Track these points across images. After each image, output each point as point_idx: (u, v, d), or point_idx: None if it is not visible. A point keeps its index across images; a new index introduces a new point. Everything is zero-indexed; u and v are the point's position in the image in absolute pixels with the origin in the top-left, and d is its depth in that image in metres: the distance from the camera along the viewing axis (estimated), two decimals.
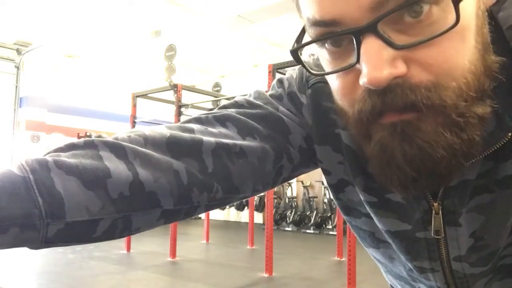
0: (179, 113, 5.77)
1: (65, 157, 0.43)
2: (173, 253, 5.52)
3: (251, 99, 0.59)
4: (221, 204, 0.53)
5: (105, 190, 0.43)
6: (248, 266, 5.43)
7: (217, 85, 7.99)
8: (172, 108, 5.93)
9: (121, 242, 6.15)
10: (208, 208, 0.52)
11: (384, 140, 0.39)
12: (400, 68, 0.36)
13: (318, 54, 0.44)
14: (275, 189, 9.23)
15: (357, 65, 0.37)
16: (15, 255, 5.46)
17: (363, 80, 0.36)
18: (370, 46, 0.36)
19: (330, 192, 0.60)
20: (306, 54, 0.51)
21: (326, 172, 0.58)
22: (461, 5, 0.35)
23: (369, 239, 0.59)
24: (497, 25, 0.42)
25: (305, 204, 9.13)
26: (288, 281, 4.46)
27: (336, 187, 0.58)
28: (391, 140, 0.39)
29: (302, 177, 9.44)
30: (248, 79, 9.44)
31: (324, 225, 8.56)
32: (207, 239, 7.24)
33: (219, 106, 0.59)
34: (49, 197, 0.40)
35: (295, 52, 0.41)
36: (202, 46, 8.61)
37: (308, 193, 9.11)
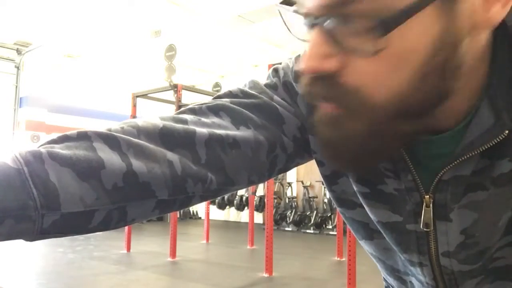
0: None
1: (58, 149, 0.44)
2: (173, 253, 5.52)
3: (246, 88, 0.59)
4: (216, 195, 0.54)
5: (99, 181, 0.43)
6: (248, 266, 5.43)
7: (217, 85, 7.99)
8: (172, 108, 5.93)
9: (121, 242, 6.15)
10: (203, 198, 0.53)
11: (321, 124, 0.45)
12: (330, 65, 0.40)
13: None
14: (275, 189, 9.26)
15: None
16: (15, 255, 5.46)
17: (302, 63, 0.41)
18: (316, 35, 0.40)
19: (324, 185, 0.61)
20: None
21: (319, 163, 0.58)
22: (399, 32, 0.36)
23: (363, 231, 0.59)
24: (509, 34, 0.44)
25: (305, 204, 9.13)
26: (288, 281, 4.46)
27: (330, 178, 0.58)
28: (325, 125, 0.44)
29: (302, 177, 9.44)
30: (248, 79, 9.39)
31: (324, 225, 8.57)
32: (207, 239, 7.24)
33: (213, 96, 0.59)
34: (44, 188, 0.40)
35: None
36: (202, 46, 8.61)
37: (308, 193, 9.11)
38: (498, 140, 0.43)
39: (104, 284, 4.28)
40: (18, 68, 9.56)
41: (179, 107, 5.76)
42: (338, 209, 0.61)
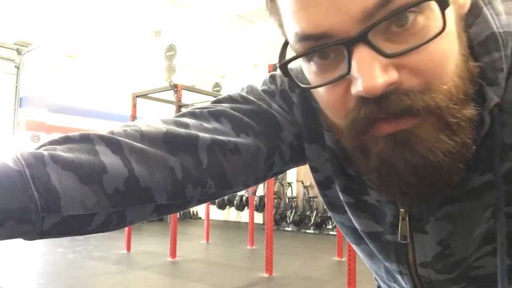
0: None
1: (60, 151, 0.44)
2: (173, 253, 5.52)
3: (244, 93, 0.59)
4: (212, 198, 0.54)
5: (101, 185, 0.44)
6: (248, 266, 5.43)
7: (217, 85, 7.99)
8: (172, 108, 5.93)
9: (121, 242, 6.15)
10: (200, 202, 0.53)
11: (384, 153, 0.40)
12: (393, 75, 0.37)
13: (303, 67, 0.44)
14: (275, 189, 9.26)
15: (348, 76, 0.38)
16: (15, 255, 5.46)
17: (357, 89, 0.37)
18: (363, 55, 0.37)
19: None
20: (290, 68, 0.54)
21: (314, 170, 0.59)
22: (446, 12, 0.36)
23: (351, 236, 0.60)
24: (468, 38, 0.44)
25: (305, 204, 9.13)
26: (288, 281, 4.46)
27: (323, 183, 0.59)
28: (391, 152, 0.39)
29: (302, 177, 9.44)
30: (248, 79, 9.40)
31: (324, 225, 8.56)
32: (207, 239, 7.24)
33: (213, 101, 0.59)
34: (45, 191, 0.40)
35: (284, 66, 0.42)
36: (202, 46, 8.61)
37: (308, 193, 9.11)
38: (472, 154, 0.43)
39: (104, 284, 4.28)
40: (18, 68, 9.56)
41: (179, 107, 5.76)
42: (330, 213, 0.62)
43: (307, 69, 0.43)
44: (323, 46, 0.38)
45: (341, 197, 0.56)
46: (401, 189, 0.41)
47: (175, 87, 5.74)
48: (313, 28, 0.38)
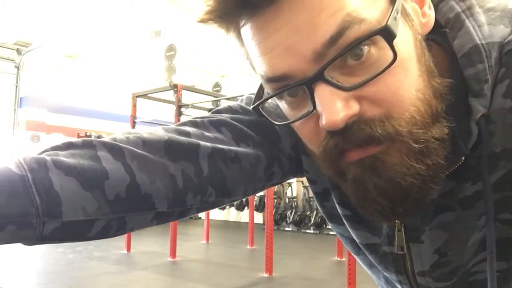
0: (179, 113, 5.76)
1: (63, 157, 0.44)
2: (173, 253, 5.52)
3: (244, 104, 0.60)
4: (212, 207, 0.55)
5: (102, 191, 0.44)
6: (248, 266, 5.43)
7: (217, 85, 7.99)
8: (172, 108, 5.93)
9: (121, 242, 6.16)
10: (200, 210, 0.54)
11: (357, 176, 0.42)
12: (354, 108, 0.38)
13: (278, 104, 0.46)
14: (275, 189, 9.28)
15: (315, 111, 0.40)
16: (15, 255, 5.46)
17: (322, 124, 0.39)
18: (322, 92, 0.38)
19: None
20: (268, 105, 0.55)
21: (311, 182, 0.60)
22: (396, 41, 0.37)
23: (350, 246, 0.61)
24: (451, 51, 0.45)
25: (305, 204, 9.13)
26: (288, 281, 4.47)
27: (322, 195, 0.60)
28: (362, 176, 0.41)
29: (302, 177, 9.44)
30: (248, 79, 9.40)
31: (324, 225, 8.56)
32: (207, 239, 7.25)
33: (213, 111, 0.60)
34: (47, 196, 0.41)
35: (257, 108, 0.44)
36: (202, 46, 8.61)
37: (308, 193, 9.10)
38: (457, 165, 0.45)
39: (104, 284, 4.28)
40: (18, 68, 9.57)
41: (179, 107, 5.76)
42: (329, 224, 0.63)
43: (281, 105, 0.45)
44: (286, 88, 0.40)
45: (339, 210, 0.57)
46: (378, 211, 0.43)
47: (175, 87, 5.74)
48: (274, 71, 0.40)
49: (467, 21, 0.45)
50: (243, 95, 0.64)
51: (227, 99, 6.06)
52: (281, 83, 0.41)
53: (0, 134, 9.19)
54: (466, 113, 0.43)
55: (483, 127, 0.42)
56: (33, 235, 0.40)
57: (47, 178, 0.41)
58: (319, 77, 0.38)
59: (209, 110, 0.61)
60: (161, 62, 6.58)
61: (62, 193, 0.41)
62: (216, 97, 6.88)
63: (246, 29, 0.41)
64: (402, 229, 0.51)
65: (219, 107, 0.60)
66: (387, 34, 0.37)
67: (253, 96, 0.62)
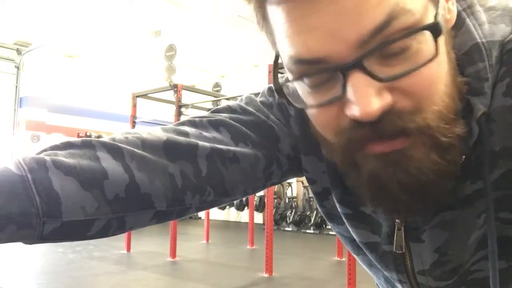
0: (179, 113, 5.76)
1: (62, 157, 0.44)
2: (173, 253, 5.52)
3: (243, 104, 0.60)
4: (211, 206, 0.55)
5: (102, 191, 0.44)
6: (248, 266, 5.43)
7: (217, 85, 7.98)
8: (172, 108, 5.93)
9: (121, 242, 6.16)
10: (199, 209, 0.54)
11: (377, 170, 0.41)
12: (387, 99, 0.38)
13: (295, 85, 0.44)
14: (275, 189, 9.28)
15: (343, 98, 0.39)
16: (15, 255, 5.46)
17: (353, 113, 0.38)
18: (358, 81, 0.37)
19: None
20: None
21: (311, 181, 0.60)
22: (438, 39, 0.37)
23: (350, 245, 0.61)
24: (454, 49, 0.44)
25: (305, 204, 9.13)
26: (288, 281, 4.47)
27: (321, 195, 0.60)
28: (383, 171, 0.40)
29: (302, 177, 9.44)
30: (248, 79, 9.42)
31: (324, 225, 8.56)
32: (207, 239, 7.25)
33: (212, 110, 0.60)
34: (47, 196, 0.41)
35: (280, 89, 0.42)
36: (202, 46, 8.61)
37: (308, 193, 9.10)
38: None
39: (104, 284, 4.28)
40: (18, 68, 9.57)
41: (179, 107, 5.76)
42: (329, 223, 0.63)
43: (300, 87, 0.43)
44: (319, 70, 0.39)
45: (339, 209, 0.57)
46: (393, 205, 0.42)
47: (175, 87, 5.74)
48: (309, 53, 0.38)
49: (467, 19, 0.45)
50: (243, 95, 0.64)
51: (227, 99, 6.06)
52: (311, 66, 0.39)
53: (0, 134, 9.19)
54: (466, 112, 0.43)
55: (484, 126, 0.42)
56: (33, 235, 0.41)
57: (47, 178, 0.41)
58: (358, 64, 0.37)
59: (209, 110, 0.61)
60: (161, 62, 6.58)
61: (62, 193, 0.42)
62: (216, 97, 6.87)
63: (277, 2, 0.39)
64: (402, 228, 0.51)
65: (218, 107, 0.60)
66: (436, 30, 0.36)
67: (253, 96, 0.62)
